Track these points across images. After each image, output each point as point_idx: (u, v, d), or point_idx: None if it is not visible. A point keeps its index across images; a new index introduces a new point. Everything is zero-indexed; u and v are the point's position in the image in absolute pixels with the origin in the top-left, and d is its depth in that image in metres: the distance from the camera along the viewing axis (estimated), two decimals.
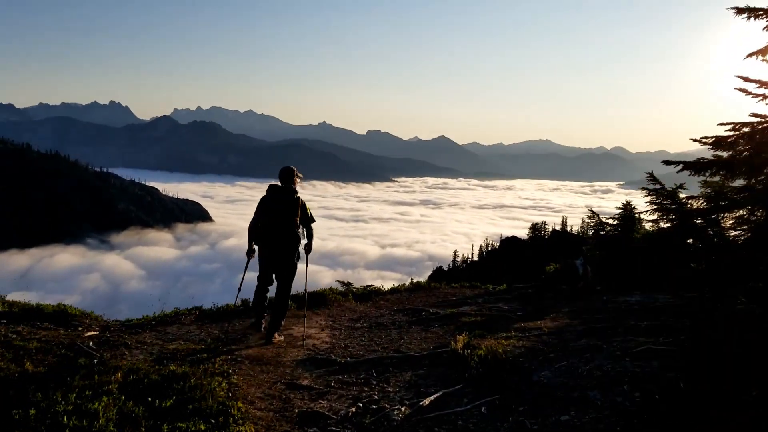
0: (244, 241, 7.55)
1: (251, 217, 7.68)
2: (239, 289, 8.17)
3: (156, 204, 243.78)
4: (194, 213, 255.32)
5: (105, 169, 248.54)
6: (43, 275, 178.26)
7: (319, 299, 9.58)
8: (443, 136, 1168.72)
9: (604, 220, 11.13)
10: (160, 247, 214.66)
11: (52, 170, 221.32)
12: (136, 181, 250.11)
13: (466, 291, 11.86)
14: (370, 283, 11.23)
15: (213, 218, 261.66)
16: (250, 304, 8.38)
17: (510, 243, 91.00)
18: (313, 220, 7.79)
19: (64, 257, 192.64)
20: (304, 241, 7.73)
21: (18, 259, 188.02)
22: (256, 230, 7.53)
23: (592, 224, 11.25)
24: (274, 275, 7.69)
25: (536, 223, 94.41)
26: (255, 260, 7.70)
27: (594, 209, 11.75)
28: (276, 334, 7.39)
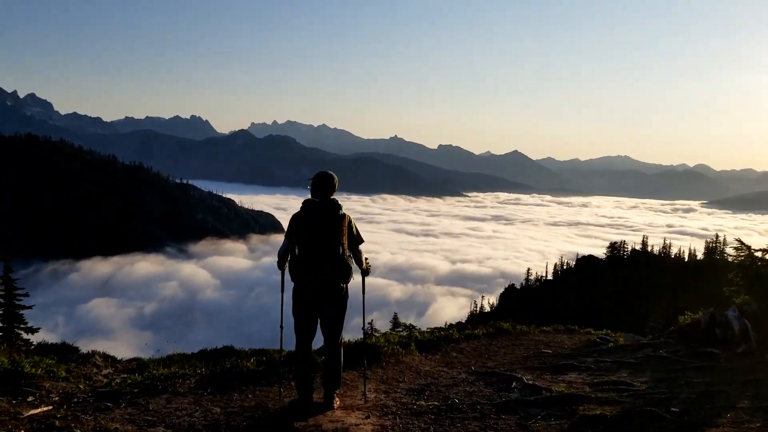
0: None
1: (285, 250, 5.98)
2: (281, 328, 6.46)
3: (232, 215, 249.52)
4: (268, 224, 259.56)
5: (185, 181, 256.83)
6: (124, 282, 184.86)
7: (371, 353, 7.21)
8: (516, 150, 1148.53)
9: (758, 254, 7.97)
10: (234, 257, 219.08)
11: (135, 181, 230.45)
12: (214, 192, 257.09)
13: (562, 338, 9.30)
14: (438, 326, 8.89)
15: (286, 230, 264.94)
16: (283, 362, 6.63)
17: (587, 262, 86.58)
18: (362, 241, 6.02)
19: (144, 265, 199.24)
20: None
21: (101, 267, 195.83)
22: (290, 262, 5.83)
23: (740, 257, 8.14)
24: (319, 322, 5.92)
25: (615, 242, 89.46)
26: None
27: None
28: (334, 404, 5.75)
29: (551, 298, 78.76)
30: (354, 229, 5.96)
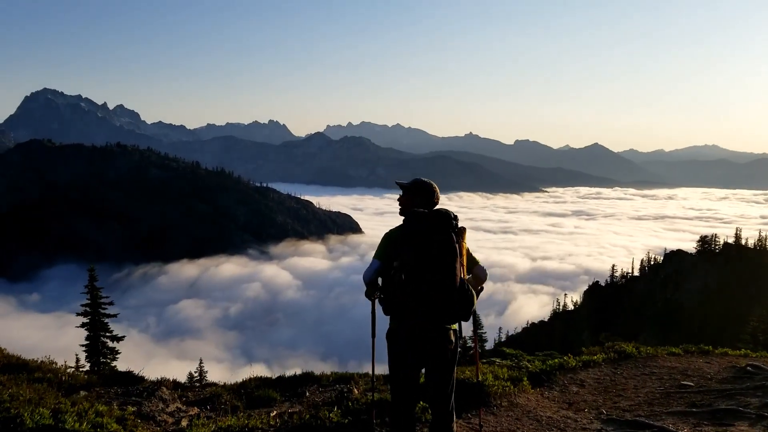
0: None
1: (374, 273, 4.65)
2: (372, 373, 5.46)
3: (310, 216, 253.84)
4: (345, 225, 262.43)
5: (264, 184, 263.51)
6: (209, 284, 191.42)
7: (474, 392, 5.84)
8: (596, 143, 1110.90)
9: None
10: (314, 257, 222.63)
11: (218, 185, 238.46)
12: (292, 195, 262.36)
13: (699, 364, 7.76)
14: (549, 351, 7.55)
15: (363, 230, 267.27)
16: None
17: (675, 256, 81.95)
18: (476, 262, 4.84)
19: (229, 267, 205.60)
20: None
21: (188, 269, 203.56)
22: (386, 294, 4.48)
23: None
24: (423, 374, 4.63)
25: (705, 236, 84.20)
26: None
27: None
28: None
29: (638, 295, 74.94)
30: (472, 257, 4.79)
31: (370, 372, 5.93)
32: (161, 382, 7.30)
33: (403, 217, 4.71)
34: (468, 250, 4.64)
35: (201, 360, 31.50)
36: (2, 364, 6.93)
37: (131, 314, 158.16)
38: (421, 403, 5.58)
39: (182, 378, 29.26)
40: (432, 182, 4.89)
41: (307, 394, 7.30)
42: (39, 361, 7.36)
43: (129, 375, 6.77)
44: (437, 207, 4.73)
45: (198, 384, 8.34)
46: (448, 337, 4.41)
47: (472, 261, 4.71)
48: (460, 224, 4.60)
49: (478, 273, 4.74)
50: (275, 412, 6.62)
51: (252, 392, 7.35)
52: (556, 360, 7.09)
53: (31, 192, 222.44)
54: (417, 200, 4.75)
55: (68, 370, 7.07)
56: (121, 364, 25.86)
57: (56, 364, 7.58)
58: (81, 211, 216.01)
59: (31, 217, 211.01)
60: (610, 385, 6.67)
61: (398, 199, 5.00)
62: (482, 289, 4.77)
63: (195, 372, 29.57)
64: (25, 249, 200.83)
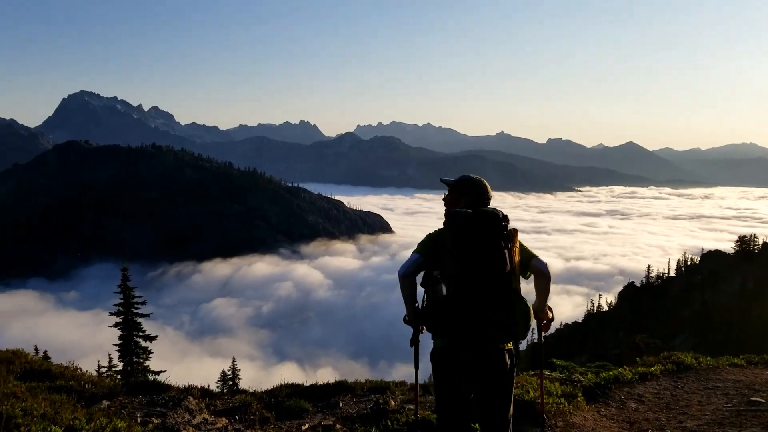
0: None
1: (411, 265, 3.99)
2: (416, 394, 4.69)
3: (341, 216, 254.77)
4: (376, 225, 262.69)
5: (296, 184, 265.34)
6: (242, 283, 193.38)
7: (525, 411, 5.28)
8: (631, 142, 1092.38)
9: None
10: (345, 257, 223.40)
11: (250, 185, 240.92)
12: (323, 195, 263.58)
13: (765, 376, 7.10)
14: (602, 363, 6.98)
15: (393, 229, 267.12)
16: None
17: (713, 257, 79.54)
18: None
19: (261, 266, 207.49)
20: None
21: (221, 268, 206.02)
22: (429, 305, 3.88)
23: None
24: (475, 399, 3.97)
25: (743, 236, 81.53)
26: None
27: None
28: None
29: (674, 296, 73.04)
30: (525, 249, 4.17)
31: (413, 391, 5.41)
32: (188, 390, 6.95)
33: (444, 219, 4.16)
34: (522, 246, 4.09)
35: (234, 358, 31.51)
36: (24, 370, 6.65)
37: (166, 312, 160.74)
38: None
39: (215, 375, 29.31)
40: (482, 179, 4.36)
41: (341, 405, 6.88)
42: (63, 367, 7.07)
43: (155, 383, 6.43)
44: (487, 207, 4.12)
45: (227, 391, 7.98)
46: (505, 359, 3.85)
47: (528, 256, 4.11)
48: (510, 225, 4.00)
49: (537, 268, 4.13)
50: (307, 425, 6.23)
51: (283, 402, 6.96)
52: (611, 372, 6.51)
53: (68, 192, 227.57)
54: (465, 200, 4.22)
55: (92, 378, 6.76)
56: (155, 362, 25.90)
57: (81, 369, 7.29)
58: (117, 211, 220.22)
59: (68, 216, 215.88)
60: (671, 401, 6.07)
61: (443, 199, 4.47)
62: (548, 286, 4.19)
63: (228, 370, 29.58)
64: (63, 248, 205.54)
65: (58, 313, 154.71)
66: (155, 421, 5.58)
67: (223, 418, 6.40)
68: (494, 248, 3.78)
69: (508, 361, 3.87)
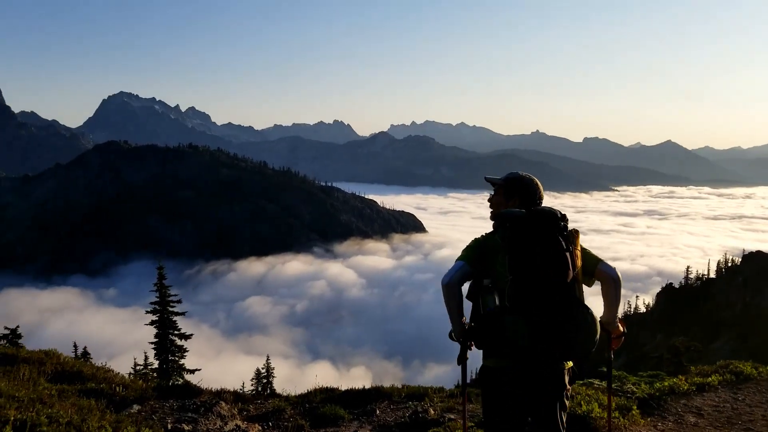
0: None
1: (456, 274, 3.55)
2: (465, 418, 3.82)
3: (374, 215, 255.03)
4: (409, 224, 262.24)
5: (329, 184, 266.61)
6: (276, 281, 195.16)
7: (577, 425, 4.86)
8: (669, 140, 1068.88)
9: None
10: (378, 256, 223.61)
11: (284, 185, 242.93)
12: (357, 194, 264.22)
13: None
14: (654, 372, 6.54)
15: (427, 229, 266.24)
16: None
17: (755, 258, 77.03)
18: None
19: (295, 265, 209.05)
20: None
21: (256, 266, 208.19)
22: (483, 325, 3.45)
23: None
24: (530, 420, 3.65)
25: None
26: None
27: None
28: None
29: (714, 298, 71.01)
30: (588, 252, 3.70)
31: (453, 399, 5.07)
32: (220, 394, 6.75)
33: (493, 223, 3.71)
34: (584, 251, 3.62)
35: (268, 357, 31.56)
36: (56, 371, 6.54)
37: (202, 310, 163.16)
38: None
39: (250, 373, 29.22)
40: (533, 177, 3.84)
41: (377, 412, 6.60)
42: (95, 368, 6.95)
43: (186, 387, 6.25)
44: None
45: (260, 395, 7.77)
46: (564, 380, 3.47)
47: (592, 260, 3.64)
48: (568, 226, 3.53)
49: (605, 273, 3.63)
50: None
51: (317, 408, 6.72)
52: (666, 383, 6.06)
53: (108, 191, 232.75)
54: (514, 201, 3.74)
55: (123, 380, 6.61)
56: (191, 360, 26.06)
57: (113, 371, 7.17)
58: (155, 210, 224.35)
59: (108, 215, 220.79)
60: (732, 415, 5.61)
61: (489, 200, 3.95)
62: (618, 294, 3.69)
63: (262, 369, 29.63)
64: (102, 246, 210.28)
65: (97, 310, 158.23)
66: (186, 428, 5.39)
67: (256, 425, 6.20)
68: (555, 252, 3.33)
69: (568, 383, 3.50)
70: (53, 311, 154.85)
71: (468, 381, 3.90)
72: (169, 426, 5.35)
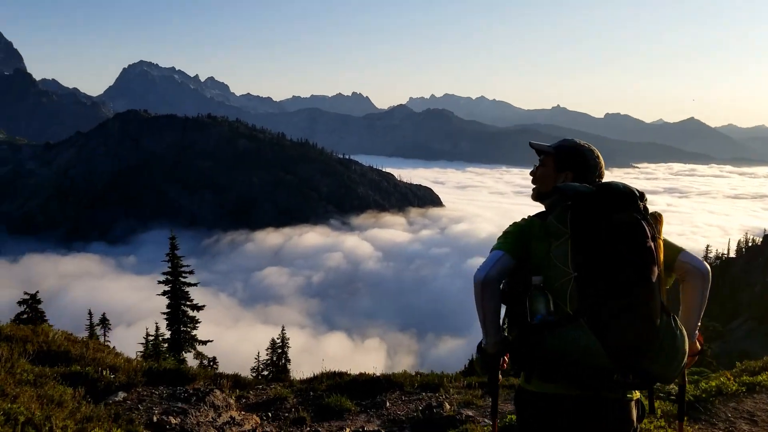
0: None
1: (494, 267, 2.57)
2: None
3: (391, 189, 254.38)
4: (426, 198, 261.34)
5: (347, 156, 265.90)
6: (293, 252, 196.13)
7: None
8: (692, 117, 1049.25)
9: None
10: (394, 230, 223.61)
11: (302, 157, 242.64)
12: (374, 167, 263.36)
13: None
14: (698, 369, 5.84)
15: (444, 203, 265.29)
16: None
17: None
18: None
19: (311, 236, 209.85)
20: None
21: (273, 237, 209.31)
22: (528, 338, 2.47)
23: None
24: None
25: None
26: None
27: None
28: None
29: (734, 278, 69.85)
30: (669, 242, 2.77)
31: (468, 390, 4.41)
32: (216, 380, 6.19)
33: (545, 202, 2.82)
34: (665, 241, 2.69)
35: (283, 327, 31.37)
36: (41, 351, 6.02)
37: (220, 279, 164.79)
38: None
39: (266, 343, 29.02)
40: (592, 147, 2.89)
41: (387, 404, 6.02)
42: (84, 346, 6.41)
43: (179, 372, 5.69)
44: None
45: (263, 379, 7.23)
46: (631, 413, 2.50)
47: (674, 251, 2.71)
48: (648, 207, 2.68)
49: (689, 266, 2.71)
50: (348, 430, 5.36)
51: (322, 397, 6.17)
52: (713, 382, 5.36)
53: (129, 160, 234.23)
54: (567, 174, 2.81)
55: (114, 361, 6.08)
56: (208, 328, 25.86)
57: (105, 351, 6.64)
58: (174, 179, 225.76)
59: (128, 183, 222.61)
60: None
61: (532, 173, 2.95)
62: (705, 295, 2.70)
63: (277, 339, 29.50)
64: (122, 214, 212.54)
65: (117, 277, 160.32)
66: (173, 420, 4.84)
67: (254, 416, 5.63)
68: (636, 242, 2.43)
69: (635, 418, 2.52)
70: (74, 277, 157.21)
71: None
72: (155, 418, 4.80)
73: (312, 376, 7.54)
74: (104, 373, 5.57)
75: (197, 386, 5.71)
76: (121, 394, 5.19)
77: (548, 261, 2.52)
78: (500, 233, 2.71)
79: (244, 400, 6.18)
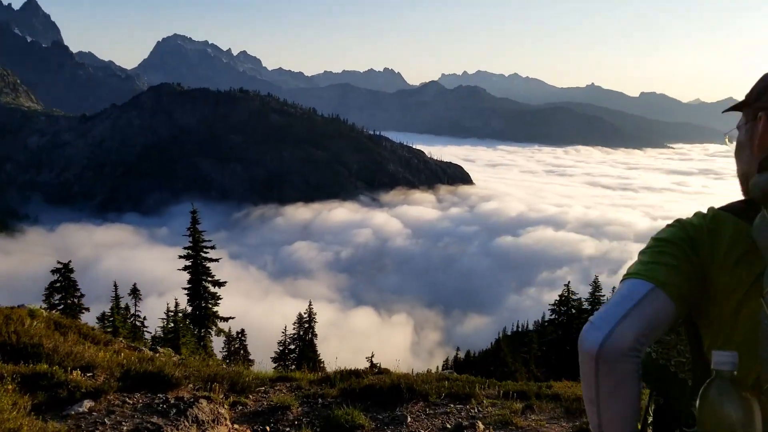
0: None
1: (639, 321, 1.34)
2: None
3: (421, 166, 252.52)
4: (456, 176, 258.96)
5: (378, 133, 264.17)
6: (322, 228, 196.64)
7: None
8: (731, 97, 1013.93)
9: None
10: (423, 207, 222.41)
11: (333, 132, 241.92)
12: (405, 144, 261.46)
13: None
14: None
15: (474, 181, 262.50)
16: None
17: None
18: None
19: (341, 212, 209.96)
20: None
21: (302, 212, 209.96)
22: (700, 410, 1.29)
23: None
24: None
25: None
26: None
27: None
28: None
29: None
30: None
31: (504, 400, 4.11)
32: (212, 380, 5.29)
33: (747, 188, 1.49)
34: None
35: (310, 302, 30.93)
36: (11, 344, 5.19)
37: (250, 252, 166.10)
38: None
39: (293, 317, 28.39)
40: None
41: (408, 419, 5.06)
42: (59, 342, 5.56)
43: (160, 376, 4.78)
44: None
45: (267, 381, 6.33)
46: None
47: None
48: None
49: None
50: None
51: (330, 407, 5.21)
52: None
53: (162, 133, 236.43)
54: None
55: (91, 359, 5.22)
56: (237, 300, 25.21)
57: (84, 344, 5.79)
58: (206, 152, 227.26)
59: (161, 156, 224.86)
60: None
61: (744, 138, 1.54)
62: None
63: (305, 313, 29.13)
64: (155, 185, 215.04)
65: (150, 248, 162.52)
66: None
67: (248, 430, 4.69)
68: None
69: None
70: (108, 247, 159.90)
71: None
72: None
73: (324, 375, 6.62)
74: (73, 375, 4.72)
75: (181, 394, 4.82)
76: (87, 404, 4.31)
77: (754, 310, 1.30)
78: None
79: (240, 408, 5.29)
